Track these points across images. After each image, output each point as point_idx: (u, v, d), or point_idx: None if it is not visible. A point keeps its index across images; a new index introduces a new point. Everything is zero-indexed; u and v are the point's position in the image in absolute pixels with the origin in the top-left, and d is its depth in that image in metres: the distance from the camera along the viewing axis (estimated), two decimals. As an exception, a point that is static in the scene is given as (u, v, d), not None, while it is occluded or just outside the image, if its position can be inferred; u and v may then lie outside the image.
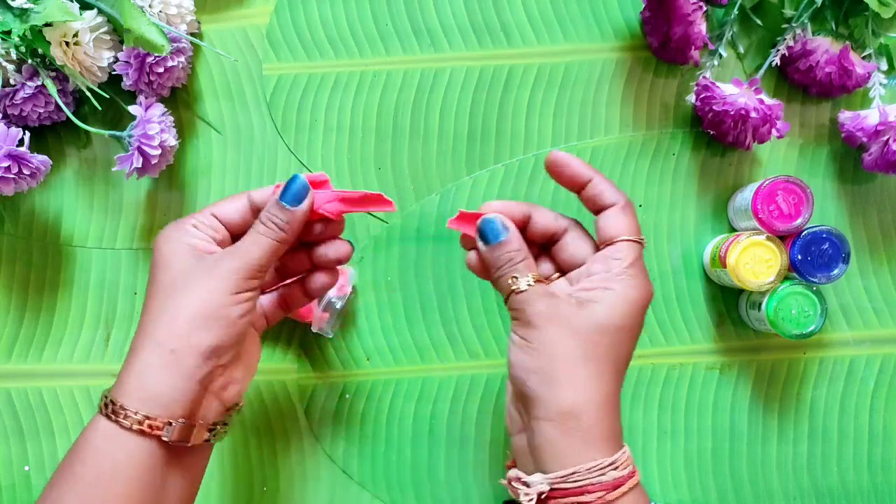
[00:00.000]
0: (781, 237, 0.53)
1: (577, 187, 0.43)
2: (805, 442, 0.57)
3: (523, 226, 0.44)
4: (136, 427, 0.37)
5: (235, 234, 0.43)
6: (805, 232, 0.52)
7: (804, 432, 0.57)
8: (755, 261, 0.52)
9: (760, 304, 0.53)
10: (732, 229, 0.58)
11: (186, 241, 0.41)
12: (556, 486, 0.36)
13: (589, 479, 0.35)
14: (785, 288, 0.53)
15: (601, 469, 0.35)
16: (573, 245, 0.43)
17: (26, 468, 0.56)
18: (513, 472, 0.39)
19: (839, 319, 0.58)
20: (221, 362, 0.39)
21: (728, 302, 0.58)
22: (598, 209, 0.43)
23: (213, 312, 0.39)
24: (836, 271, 0.52)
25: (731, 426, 0.57)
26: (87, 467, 0.37)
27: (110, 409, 0.38)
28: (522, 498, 0.37)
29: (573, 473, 0.35)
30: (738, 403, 0.57)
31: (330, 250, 0.45)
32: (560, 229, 0.44)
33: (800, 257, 0.52)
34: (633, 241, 0.41)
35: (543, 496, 0.36)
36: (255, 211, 0.43)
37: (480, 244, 0.42)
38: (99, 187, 0.58)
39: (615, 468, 0.35)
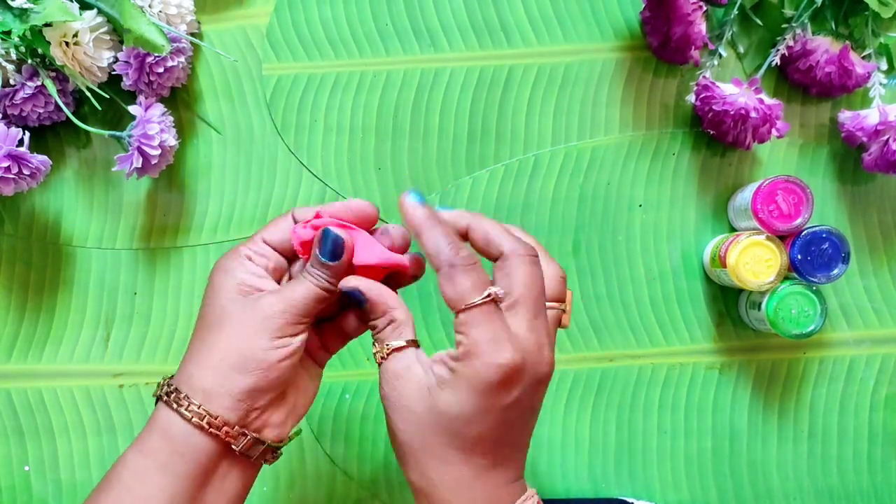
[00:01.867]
0: (781, 237, 0.53)
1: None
2: (805, 442, 0.57)
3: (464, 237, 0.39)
4: (195, 420, 0.37)
5: (293, 257, 0.42)
6: (805, 232, 0.52)
7: (804, 432, 0.57)
8: (755, 261, 0.52)
9: (760, 304, 0.53)
10: (732, 229, 0.58)
11: (239, 275, 0.39)
12: None
13: None
14: (785, 288, 0.53)
15: None
16: (499, 282, 0.37)
17: (26, 468, 0.56)
18: None
19: (839, 319, 0.58)
20: (257, 405, 0.38)
21: (728, 302, 0.58)
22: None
23: (250, 355, 0.37)
24: (835, 271, 0.52)
25: (731, 426, 0.57)
26: (111, 498, 0.37)
27: (173, 396, 0.37)
28: None
29: None
30: (738, 403, 0.57)
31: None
32: (496, 254, 0.38)
33: (800, 257, 0.52)
34: (485, 302, 0.35)
35: None
36: None
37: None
38: (99, 187, 0.58)
39: None
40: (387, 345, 0.38)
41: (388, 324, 0.38)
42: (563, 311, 0.40)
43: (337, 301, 0.41)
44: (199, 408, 0.37)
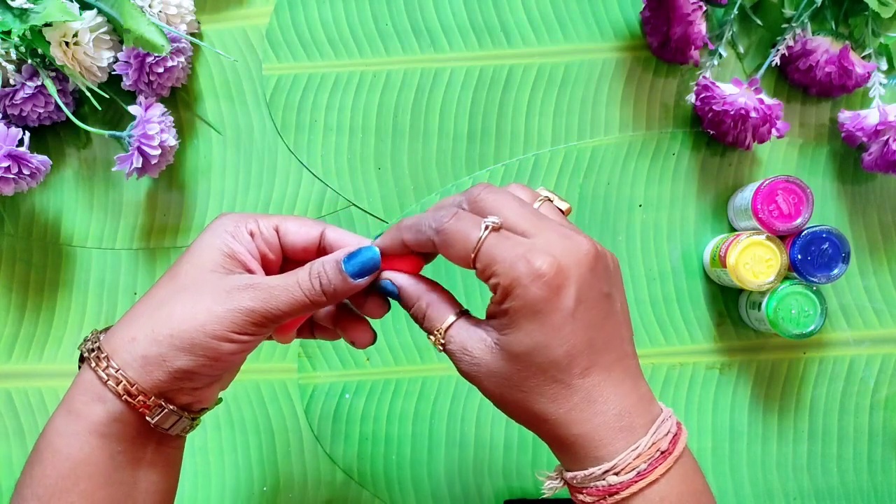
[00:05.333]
0: (781, 237, 0.53)
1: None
2: (805, 442, 0.57)
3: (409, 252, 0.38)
4: (110, 384, 0.35)
5: (290, 259, 0.40)
6: (805, 232, 0.52)
7: (804, 432, 0.57)
8: (755, 261, 0.52)
9: (760, 304, 0.53)
10: (732, 229, 0.58)
11: (230, 244, 0.37)
12: (570, 483, 0.36)
13: (587, 485, 0.35)
14: (785, 288, 0.53)
15: (596, 477, 0.34)
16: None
17: (26, 468, 0.56)
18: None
19: (839, 319, 0.58)
20: (191, 385, 0.36)
21: (728, 302, 0.58)
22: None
23: (201, 341, 0.35)
24: (836, 271, 0.52)
25: (731, 426, 0.57)
26: (45, 467, 0.35)
27: (94, 354, 0.36)
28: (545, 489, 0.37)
29: (573, 478, 0.35)
30: (738, 403, 0.57)
31: (357, 336, 0.41)
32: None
33: (800, 257, 0.52)
34: (488, 233, 0.34)
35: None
36: (323, 251, 0.39)
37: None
38: (99, 187, 0.59)
39: (615, 473, 0.34)
40: (438, 329, 0.36)
41: (427, 307, 0.37)
42: (549, 199, 0.38)
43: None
44: (116, 372, 0.35)
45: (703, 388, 0.57)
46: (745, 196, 0.54)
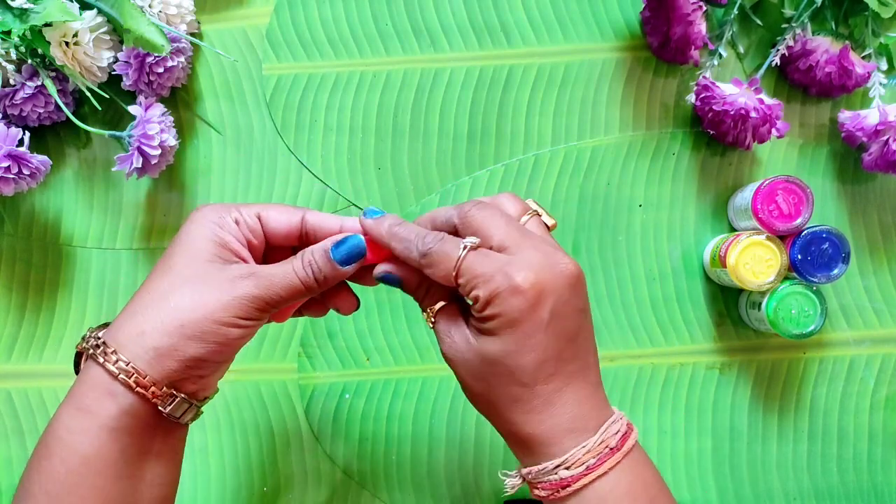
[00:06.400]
0: (781, 237, 0.53)
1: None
2: (805, 442, 0.57)
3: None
4: (122, 377, 0.36)
5: (273, 245, 0.41)
6: (805, 232, 0.52)
7: (804, 432, 0.57)
8: (755, 261, 0.52)
9: (760, 304, 0.53)
10: (732, 229, 0.58)
11: (220, 234, 0.39)
12: (526, 480, 0.39)
13: (540, 479, 0.37)
14: (785, 288, 0.53)
15: (548, 472, 0.37)
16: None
17: (26, 468, 0.56)
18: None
19: (839, 319, 0.58)
20: (199, 373, 0.38)
21: (728, 302, 0.58)
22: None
23: (211, 329, 0.37)
24: (836, 271, 0.52)
25: (731, 426, 0.57)
26: (54, 463, 0.36)
27: (100, 350, 0.36)
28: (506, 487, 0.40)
29: (528, 473, 0.38)
30: (738, 403, 0.57)
31: (341, 303, 0.43)
32: (450, 228, 0.40)
33: (800, 257, 0.52)
34: (467, 252, 0.37)
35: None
36: (304, 235, 0.41)
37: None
38: (99, 187, 0.59)
39: (566, 468, 0.37)
40: (430, 310, 0.39)
41: (426, 292, 0.40)
42: (537, 214, 0.40)
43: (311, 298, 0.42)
44: (127, 365, 0.36)
45: (703, 388, 0.57)
46: (745, 196, 0.54)
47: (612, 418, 0.38)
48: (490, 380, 0.37)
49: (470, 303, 0.37)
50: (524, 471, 0.38)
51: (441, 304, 0.39)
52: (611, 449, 0.37)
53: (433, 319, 0.39)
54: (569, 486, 0.37)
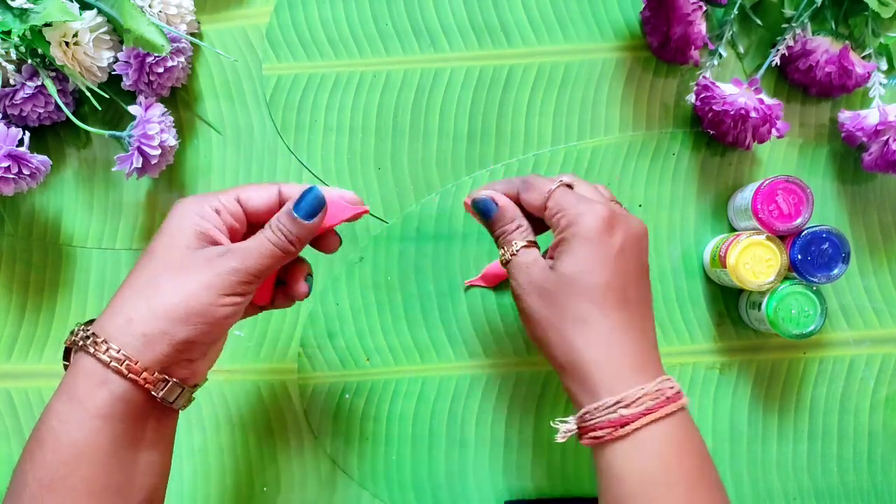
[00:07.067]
0: (781, 237, 0.53)
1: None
2: (805, 442, 0.57)
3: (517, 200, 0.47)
4: (113, 365, 0.36)
5: (256, 223, 0.42)
6: (805, 232, 0.52)
7: (804, 432, 0.57)
8: (755, 261, 0.52)
9: (760, 304, 0.53)
10: (732, 229, 0.58)
11: (200, 223, 0.40)
12: (579, 425, 0.40)
13: (598, 417, 0.38)
14: (785, 288, 0.53)
15: (607, 408, 0.38)
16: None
17: (26, 468, 0.56)
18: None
19: (839, 319, 0.58)
20: (189, 357, 0.39)
21: (728, 302, 0.58)
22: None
23: (197, 309, 0.37)
24: (836, 271, 0.52)
25: (731, 426, 0.57)
26: (47, 452, 0.36)
27: (90, 340, 0.37)
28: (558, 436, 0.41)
29: (585, 414, 0.39)
30: (738, 403, 0.57)
31: (323, 245, 0.45)
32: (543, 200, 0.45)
33: (800, 257, 0.52)
34: (560, 185, 0.44)
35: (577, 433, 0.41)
36: (283, 205, 0.42)
37: (481, 221, 0.46)
38: (99, 187, 0.59)
39: (625, 406, 0.38)
40: (516, 243, 0.44)
41: (517, 228, 0.45)
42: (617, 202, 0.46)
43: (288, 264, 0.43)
44: (118, 353, 0.37)
45: (703, 388, 0.57)
46: (745, 196, 0.54)
47: (667, 376, 0.40)
48: (560, 300, 0.40)
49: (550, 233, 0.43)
50: (583, 409, 0.39)
51: (524, 243, 0.44)
52: (667, 398, 0.38)
53: (514, 252, 0.43)
54: (628, 423, 0.38)
